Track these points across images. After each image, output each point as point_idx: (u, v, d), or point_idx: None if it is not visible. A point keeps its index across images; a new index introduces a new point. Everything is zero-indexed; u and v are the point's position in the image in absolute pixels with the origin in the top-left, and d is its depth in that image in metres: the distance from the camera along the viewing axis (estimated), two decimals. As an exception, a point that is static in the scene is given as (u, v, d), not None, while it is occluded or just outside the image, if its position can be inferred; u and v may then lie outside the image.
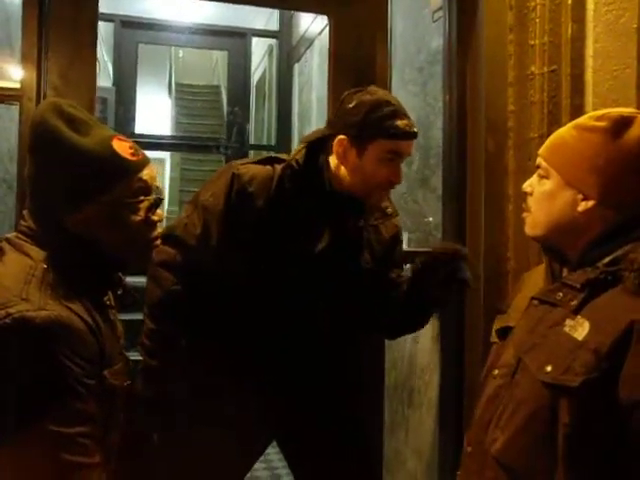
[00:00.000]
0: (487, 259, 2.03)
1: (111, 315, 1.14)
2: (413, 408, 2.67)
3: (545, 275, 1.15)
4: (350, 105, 1.47)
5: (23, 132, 1.62)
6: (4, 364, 0.91)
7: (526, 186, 1.16)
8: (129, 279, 1.27)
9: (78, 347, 0.96)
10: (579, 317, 0.96)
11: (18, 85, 1.67)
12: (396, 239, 1.70)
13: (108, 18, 4.65)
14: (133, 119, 4.44)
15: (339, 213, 1.53)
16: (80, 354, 0.96)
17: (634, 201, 1.01)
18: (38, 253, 1.02)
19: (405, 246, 2.78)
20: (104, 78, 6.36)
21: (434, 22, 2.40)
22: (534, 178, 1.14)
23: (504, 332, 1.16)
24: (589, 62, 1.88)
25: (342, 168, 1.49)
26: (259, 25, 5.41)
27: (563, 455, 0.90)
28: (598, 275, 0.97)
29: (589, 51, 1.88)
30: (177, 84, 9.03)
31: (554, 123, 1.89)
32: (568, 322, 0.97)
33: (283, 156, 1.58)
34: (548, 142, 1.13)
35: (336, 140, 1.47)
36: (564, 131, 1.11)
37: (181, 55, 9.27)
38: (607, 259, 0.98)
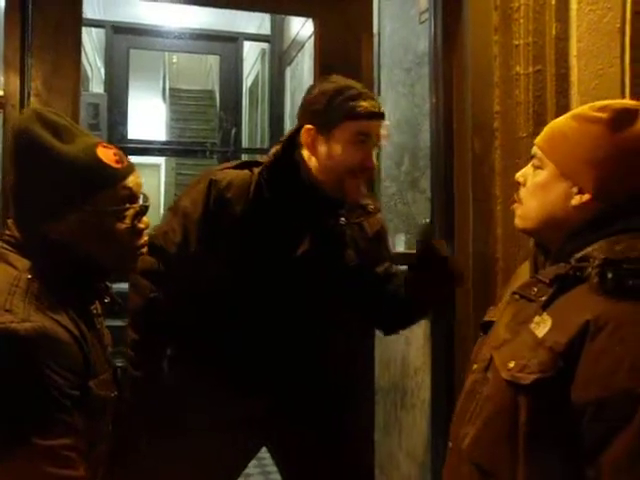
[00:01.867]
0: (476, 260, 2.02)
1: (98, 324, 1.14)
2: (406, 409, 2.66)
3: (530, 269, 1.13)
4: (313, 94, 1.47)
5: (6, 140, 1.62)
6: None
7: (519, 176, 1.11)
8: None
9: (62, 359, 0.96)
10: (545, 314, 0.95)
11: (1, 92, 1.67)
12: (380, 235, 1.68)
13: (99, 24, 4.64)
14: (125, 124, 4.43)
15: (319, 212, 1.52)
16: (64, 365, 0.96)
17: (623, 196, 0.98)
18: (22, 263, 1.01)
19: (401, 248, 2.78)
20: (97, 84, 6.36)
21: (421, 23, 2.40)
22: (528, 168, 1.10)
23: (487, 326, 1.15)
24: (573, 62, 1.88)
25: (313, 159, 1.48)
26: (251, 29, 5.41)
27: (523, 454, 0.90)
28: (567, 271, 0.95)
29: (573, 51, 1.88)
30: (171, 89, 9.03)
31: (540, 123, 1.89)
32: (536, 319, 0.96)
33: (263, 159, 1.56)
34: (545, 131, 1.09)
35: (303, 130, 1.46)
36: (562, 120, 1.06)
37: (175, 60, 9.27)
38: (580, 254, 0.96)
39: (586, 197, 0.98)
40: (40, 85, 1.71)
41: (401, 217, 2.73)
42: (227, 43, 4.73)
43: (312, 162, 1.48)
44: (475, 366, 1.09)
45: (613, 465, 0.84)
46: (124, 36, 4.44)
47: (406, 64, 2.63)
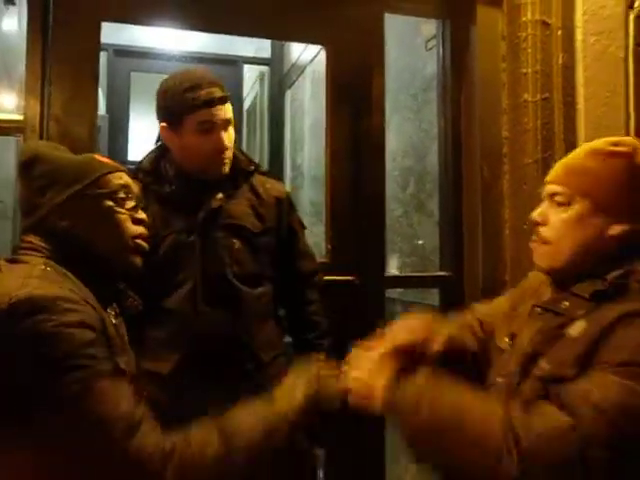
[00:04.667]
0: (485, 282, 2.05)
1: (116, 322, 1.15)
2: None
3: (551, 287, 1.14)
4: (159, 94, 1.55)
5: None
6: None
7: (536, 216, 1.12)
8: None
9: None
10: (580, 320, 0.99)
11: (21, 117, 1.69)
12: (282, 202, 1.69)
13: (101, 47, 4.66)
14: (126, 146, 4.45)
15: (199, 196, 1.56)
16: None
17: None
18: (36, 259, 1.04)
19: (397, 271, 2.81)
20: (99, 106, 6.38)
21: (427, 50, 2.45)
22: (546, 207, 1.12)
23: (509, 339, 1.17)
24: (580, 90, 1.94)
25: (173, 151, 1.57)
26: (250, 53, 5.46)
27: None
28: (607, 287, 0.99)
29: (580, 79, 1.94)
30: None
31: (548, 149, 1.94)
32: (570, 325, 1.00)
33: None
34: (563, 170, 1.11)
35: (159, 128, 1.55)
36: (579, 159, 1.10)
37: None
38: (616, 272, 1.00)
39: (624, 226, 1.03)
40: (58, 110, 1.73)
41: (406, 239, 2.76)
42: (227, 66, 4.78)
43: (173, 154, 1.57)
44: (500, 379, 1.11)
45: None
46: (126, 59, 4.48)
47: (412, 89, 2.68)
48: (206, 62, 4.97)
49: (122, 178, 1.15)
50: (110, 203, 1.12)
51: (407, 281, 2.36)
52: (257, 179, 1.68)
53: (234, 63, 4.88)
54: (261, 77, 5.35)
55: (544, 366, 0.99)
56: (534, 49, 1.96)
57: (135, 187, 1.19)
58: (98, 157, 1.16)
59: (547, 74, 1.95)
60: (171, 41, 4.98)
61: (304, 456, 1.65)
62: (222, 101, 1.52)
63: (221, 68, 4.86)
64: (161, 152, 1.62)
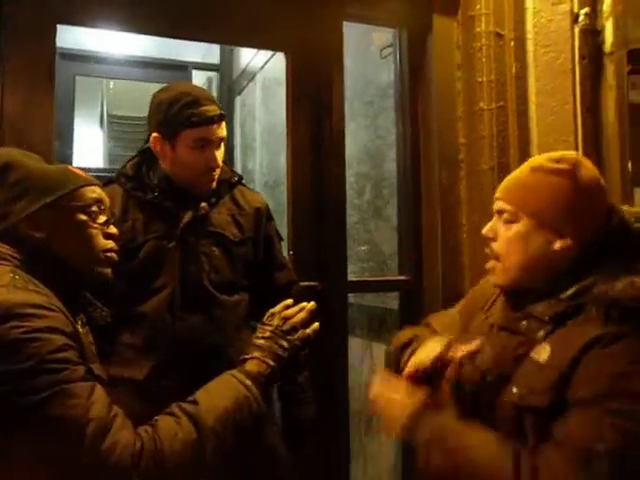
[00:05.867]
0: (445, 287, 2.10)
1: (84, 331, 1.14)
2: (371, 435, 2.69)
3: (504, 304, 1.17)
4: (154, 104, 1.56)
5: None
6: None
7: (487, 231, 1.16)
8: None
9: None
10: (543, 343, 1.02)
11: (-26, 122, 1.62)
12: (261, 213, 1.72)
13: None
14: (71, 152, 4.32)
15: (183, 204, 1.57)
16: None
17: (592, 232, 1.07)
18: (3, 267, 1.01)
19: (353, 276, 2.83)
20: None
21: (383, 58, 2.50)
22: (495, 223, 1.16)
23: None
24: (532, 99, 2.02)
25: (163, 162, 1.58)
26: (196, 58, 5.40)
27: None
28: (565, 309, 1.03)
29: (532, 89, 2.02)
30: (109, 115, 8.84)
31: (503, 155, 2.02)
32: (535, 349, 1.03)
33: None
34: (509, 186, 1.15)
35: (151, 138, 1.56)
36: (523, 175, 1.13)
37: (111, 86, 9.09)
38: (570, 291, 1.03)
39: (567, 241, 1.06)
40: (14, 115, 1.67)
41: (363, 245, 2.79)
42: (176, 72, 4.71)
43: (162, 165, 1.58)
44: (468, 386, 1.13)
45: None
46: (71, 62, 4.35)
47: (367, 97, 2.72)
48: (154, 67, 4.89)
49: (95, 192, 1.15)
50: (83, 217, 1.11)
51: (369, 285, 2.39)
52: (237, 189, 1.70)
53: (183, 69, 4.81)
54: (209, 83, 5.30)
55: (514, 391, 1.01)
56: (488, 59, 2.03)
57: (105, 198, 1.18)
58: (72, 169, 1.15)
59: (502, 83, 2.02)
60: (117, 45, 4.88)
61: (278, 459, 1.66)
62: (220, 119, 1.53)
63: (170, 73, 4.79)
64: (144, 158, 1.61)
